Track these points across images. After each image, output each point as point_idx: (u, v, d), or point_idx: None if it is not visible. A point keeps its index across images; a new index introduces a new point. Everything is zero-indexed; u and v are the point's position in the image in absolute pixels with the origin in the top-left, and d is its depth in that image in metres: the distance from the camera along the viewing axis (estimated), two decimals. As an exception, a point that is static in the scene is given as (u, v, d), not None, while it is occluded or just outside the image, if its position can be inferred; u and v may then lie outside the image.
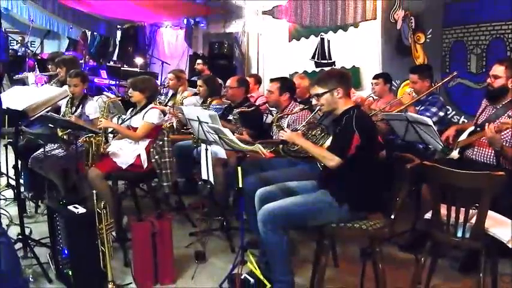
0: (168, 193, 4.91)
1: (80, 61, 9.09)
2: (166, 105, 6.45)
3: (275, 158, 4.01)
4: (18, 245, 3.92)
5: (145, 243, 3.73)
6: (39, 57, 9.26)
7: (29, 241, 4.04)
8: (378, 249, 3.25)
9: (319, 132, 3.70)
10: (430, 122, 4.15)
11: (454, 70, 5.89)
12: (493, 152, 3.99)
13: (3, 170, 5.71)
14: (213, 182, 4.22)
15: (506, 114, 4.00)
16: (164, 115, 5.22)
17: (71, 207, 3.61)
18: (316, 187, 3.48)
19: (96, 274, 3.48)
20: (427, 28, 6.86)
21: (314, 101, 3.51)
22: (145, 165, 4.64)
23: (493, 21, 6.02)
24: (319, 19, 8.67)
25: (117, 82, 9.87)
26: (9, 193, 5.69)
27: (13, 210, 4.78)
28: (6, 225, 4.46)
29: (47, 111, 4.37)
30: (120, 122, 5.13)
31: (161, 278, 3.79)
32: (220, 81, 6.80)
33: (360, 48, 8.05)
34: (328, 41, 8.64)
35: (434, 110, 4.87)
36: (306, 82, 6.16)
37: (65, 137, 4.97)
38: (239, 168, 3.62)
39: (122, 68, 10.66)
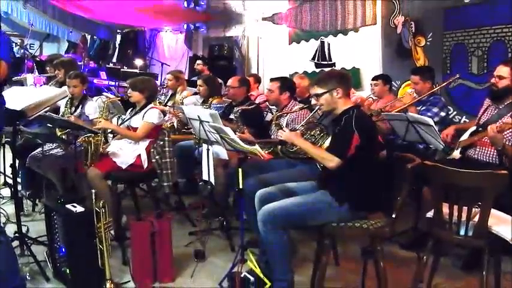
0: (168, 193, 4.89)
1: (79, 63, 9.08)
2: (165, 105, 6.44)
3: (274, 160, 4.02)
4: (15, 243, 3.89)
5: (144, 242, 3.71)
6: (38, 59, 9.24)
7: (26, 239, 4.02)
8: (379, 248, 3.22)
9: (318, 132, 3.69)
10: (431, 122, 4.14)
11: (455, 72, 5.92)
12: (495, 151, 3.96)
13: (1, 169, 5.67)
14: (213, 183, 4.20)
15: (509, 114, 3.97)
16: (164, 115, 5.19)
17: (69, 206, 3.59)
18: (315, 188, 3.46)
19: (94, 272, 3.45)
20: (427, 32, 6.91)
21: (313, 101, 3.50)
22: (145, 165, 4.61)
23: (494, 25, 6.06)
24: (319, 25, 8.72)
25: (117, 83, 9.85)
26: (6, 192, 5.67)
27: (10, 208, 4.75)
28: (3, 223, 4.42)
29: (46, 111, 4.36)
30: (119, 122, 5.09)
31: (160, 276, 3.77)
32: (220, 80, 6.81)
33: (360, 50, 8.07)
34: (329, 44, 8.66)
35: (435, 110, 4.87)
36: (305, 82, 6.20)
37: (63, 136, 4.95)
38: (240, 170, 3.62)
39: (121, 70, 10.63)
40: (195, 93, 6.42)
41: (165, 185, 4.69)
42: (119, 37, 12.18)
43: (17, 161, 4.50)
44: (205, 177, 4.13)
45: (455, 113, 6.36)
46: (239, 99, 5.68)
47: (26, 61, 9.35)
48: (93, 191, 3.55)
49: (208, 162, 4.09)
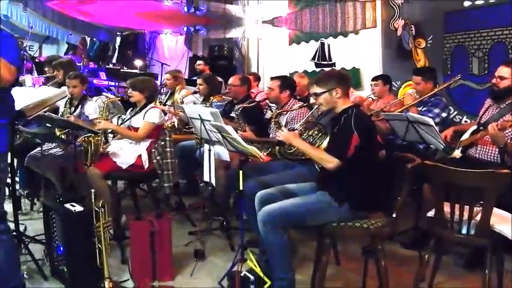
0: (169, 194, 4.87)
1: (79, 64, 9.06)
2: (165, 104, 6.44)
3: (273, 162, 4.01)
4: (12, 242, 3.87)
5: (143, 242, 3.70)
6: (37, 60, 9.22)
7: (24, 237, 4.00)
8: (380, 247, 3.21)
9: (316, 132, 3.68)
10: (431, 122, 4.13)
11: (456, 72, 5.91)
12: (496, 150, 3.95)
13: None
14: (214, 184, 4.18)
15: (510, 113, 3.96)
16: (165, 114, 5.16)
17: (67, 205, 3.58)
18: (315, 189, 3.45)
19: (92, 271, 3.43)
20: (427, 35, 6.95)
21: (312, 100, 3.48)
22: (146, 165, 4.58)
23: (494, 27, 6.06)
24: (319, 28, 8.75)
25: (117, 83, 9.84)
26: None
27: (8, 207, 4.66)
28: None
29: (45, 111, 4.35)
30: (120, 122, 5.06)
31: (159, 275, 3.75)
32: (220, 79, 6.82)
33: (360, 51, 8.08)
34: (329, 45, 8.67)
35: (437, 111, 4.85)
36: (305, 81, 6.23)
37: (63, 136, 4.93)
38: (241, 172, 3.62)
39: (121, 70, 10.62)
40: (195, 92, 6.43)
41: (166, 185, 4.66)
42: (118, 39, 12.19)
43: (15, 160, 4.48)
44: (206, 178, 4.11)
45: (456, 113, 6.37)
46: (240, 97, 5.72)
47: (25, 62, 9.34)
48: (93, 190, 3.52)
49: (209, 163, 4.06)
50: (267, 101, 5.36)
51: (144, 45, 12.33)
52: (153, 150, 4.64)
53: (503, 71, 4.04)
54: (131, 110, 4.92)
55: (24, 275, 3.61)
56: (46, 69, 6.67)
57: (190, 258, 4.12)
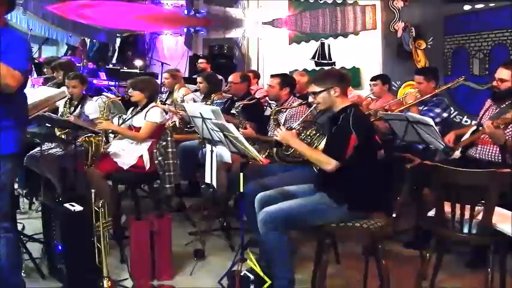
0: (170, 194, 4.84)
1: (78, 65, 9.05)
2: (165, 103, 6.41)
3: (273, 164, 4.00)
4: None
5: (143, 241, 3.70)
6: (36, 61, 9.21)
7: (21, 236, 3.97)
8: (380, 247, 3.20)
9: (314, 132, 3.68)
10: (431, 122, 4.11)
11: (456, 73, 5.92)
12: (497, 149, 3.95)
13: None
14: (215, 186, 4.16)
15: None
16: (165, 114, 5.14)
17: (67, 205, 3.56)
18: (313, 190, 3.44)
19: (90, 270, 3.42)
20: (428, 37, 6.94)
21: (311, 98, 3.47)
22: (147, 166, 4.54)
23: (495, 30, 6.08)
24: (319, 29, 8.75)
25: (117, 83, 9.82)
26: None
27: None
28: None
29: (44, 112, 4.33)
30: (121, 122, 5.03)
31: (159, 274, 3.75)
32: (220, 77, 6.83)
33: (360, 51, 8.09)
34: (329, 45, 8.67)
35: (438, 110, 4.85)
36: (305, 78, 6.23)
37: (63, 136, 4.91)
38: (241, 174, 3.63)
39: (121, 70, 10.60)
40: (196, 90, 6.43)
41: (167, 186, 4.63)
42: (118, 40, 12.19)
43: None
44: (207, 180, 4.11)
45: (456, 113, 6.37)
46: (240, 95, 5.72)
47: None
48: (93, 190, 3.51)
49: (211, 164, 4.05)
50: (267, 98, 5.41)
51: (144, 46, 12.33)
52: (154, 150, 4.60)
53: (502, 73, 4.03)
54: (132, 110, 4.89)
55: (22, 273, 3.58)
56: (45, 70, 6.65)
57: (190, 258, 4.11)
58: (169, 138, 4.66)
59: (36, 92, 4.60)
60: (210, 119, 3.86)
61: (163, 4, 11.48)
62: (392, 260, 3.59)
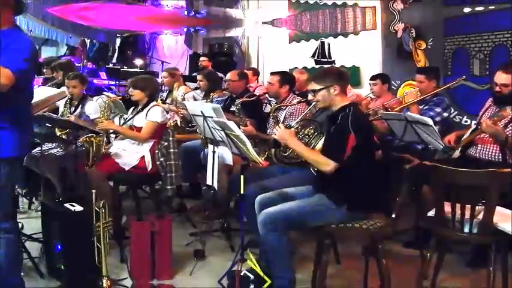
0: (171, 196, 4.82)
1: (78, 65, 9.05)
2: (164, 102, 6.42)
3: (273, 166, 4.01)
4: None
5: (143, 241, 3.70)
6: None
7: (20, 235, 3.91)
8: (380, 247, 3.20)
9: (312, 131, 3.67)
10: (430, 122, 4.10)
11: (456, 73, 5.92)
12: (497, 149, 3.95)
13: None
14: (216, 188, 4.16)
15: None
16: (166, 113, 5.13)
17: (67, 205, 3.57)
18: (312, 192, 3.43)
19: (90, 269, 3.42)
20: (428, 37, 6.95)
21: (310, 96, 3.47)
22: (149, 167, 4.51)
23: (495, 31, 6.07)
24: (319, 28, 8.76)
25: (117, 82, 9.82)
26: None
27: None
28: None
29: (44, 112, 4.33)
30: (122, 121, 5.01)
31: (158, 274, 3.75)
32: (220, 74, 6.85)
33: (360, 50, 8.10)
34: (329, 44, 8.67)
35: (438, 110, 4.84)
36: (304, 76, 6.26)
37: (64, 136, 4.90)
38: (242, 177, 3.64)
39: (121, 69, 10.60)
40: (196, 88, 6.45)
41: (169, 188, 4.61)
42: (118, 41, 12.19)
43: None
44: (209, 182, 4.10)
45: (456, 112, 6.38)
46: (238, 92, 5.74)
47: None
48: (93, 191, 3.50)
49: (213, 166, 4.05)
50: (267, 95, 5.45)
51: (144, 45, 12.34)
52: (156, 151, 4.58)
53: (502, 77, 4.00)
54: (133, 109, 4.86)
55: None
56: (44, 70, 6.64)
57: (190, 258, 4.11)
58: (171, 138, 4.64)
59: (36, 92, 4.57)
60: (212, 117, 3.85)
61: (163, 6, 11.47)
62: (393, 260, 3.58)
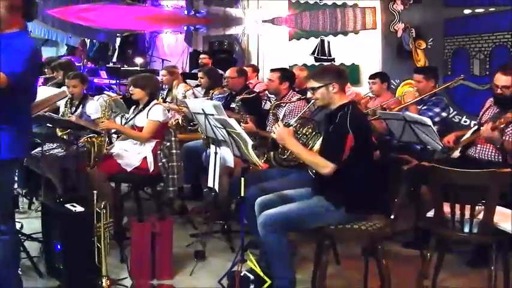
0: (172, 197, 4.81)
1: (78, 65, 9.05)
2: (165, 100, 6.41)
3: (272, 169, 4.03)
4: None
5: (144, 242, 3.71)
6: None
7: (20, 235, 3.93)
8: (380, 247, 3.22)
9: (310, 130, 3.66)
10: (429, 122, 4.09)
11: (456, 73, 5.92)
12: (497, 149, 3.95)
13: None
14: (217, 191, 4.16)
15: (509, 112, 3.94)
16: (168, 112, 5.12)
17: (68, 206, 3.58)
18: (311, 193, 3.44)
19: (89, 269, 3.44)
20: (428, 37, 6.96)
21: (309, 94, 3.46)
22: (151, 168, 4.48)
23: (495, 32, 6.08)
24: (319, 27, 8.77)
25: (118, 81, 9.82)
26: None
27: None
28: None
29: (45, 112, 4.32)
30: (123, 121, 5.00)
31: (159, 274, 3.76)
32: (221, 71, 6.86)
33: (360, 48, 8.12)
34: (328, 42, 8.68)
35: (437, 110, 4.83)
36: (304, 73, 6.22)
37: (65, 137, 4.90)
38: (242, 179, 3.65)
39: (121, 68, 10.61)
40: (197, 86, 6.47)
41: (170, 189, 4.59)
42: (118, 40, 12.21)
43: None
44: (210, 184, 4.11)
45: (455, 113, 6.38)
46: (238, 89, 5.77)
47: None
48: (95, 192, 3.51)
49: (214, 168, 4.05)
50: (267, 92, 5.49)
51: (144, 44, 12.35)
52: (158, 152, 4.56)
53: (502, 79, 4.01)
54: (134, 109, 4.85)
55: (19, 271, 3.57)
56: (45, 70, 6.65)
57: (191, 259, 4.11)
58: (173, 139, 4.62)
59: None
60: (213, 114, 3.85)
61: (163, 6, 11.49)
62: (392, 260, 3.59)
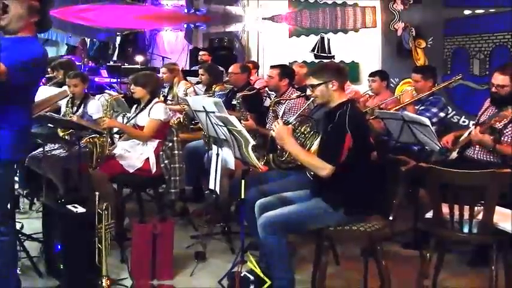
0: (174, 199, 4.81)
1: (79, 64, 9.06)
2: (166, 98, 6.40)
3: (272, 171, 4.02)
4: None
5: (145, 242, 3.74)
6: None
7: (20, 235, 3.98)
8: (379, 248, 3.24)
9: (308, 129, 3.65)
10: (427, 122, 4.09)
11: (456, 73, 5.91)
12: (497, 149, 3.96)
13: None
14: (218, 193, 4.17)
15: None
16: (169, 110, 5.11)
17: (69, 207, 3.59)
18: (310, 196, 3.46)
19: (90, 269, 3.46)
20: (428, 37, 6.97)
21: (309, 91, 3.47)
22: (154, 170, 4.48)
23: (496, 32, 6.09)
24: (319, 25, 8.80)
25: (118, 80, 9.84)
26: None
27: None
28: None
29: (46, 112, 4.31)
30: (125, 121, 4.97)
31: (159, 274, 3.78)
32: (221, 68, 6.88)
33: (360, 46, 8.15)
34: (328, 39, 8.71)
35: (435, 110, 4.83)
36: (304, 70, 6.23)
37: (66, 137, 4.91)
38: (243, 181, 3.67)
39: (122, 66, 10.62)
40: (198, 83, 6.47)
41: (172, 191, 4.59)
42: (118, 39, 12.22)
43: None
44: (211, 186, 4.11)
45: (454, 112, 6.39)
46: (240, 85, 5.79)
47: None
48: (97, 193, 3.53)
49: (216, 171, 4.05)
50: (267, 88, 5.53)
51: (144, 42, 12.37)
52: (161, 153, 4.55)
53: (499, 78, 4.03)
54: (136, 107, 4.83)
55: (18, 271, 3.52)
56: (48, 70, 6.64)
57: (191, 260, 4.13)
58: (175, 138, 4.61)
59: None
60: (213, 112, 3.86)
61: (163, 5, 11.50)
62: (392, 261, 3.61)
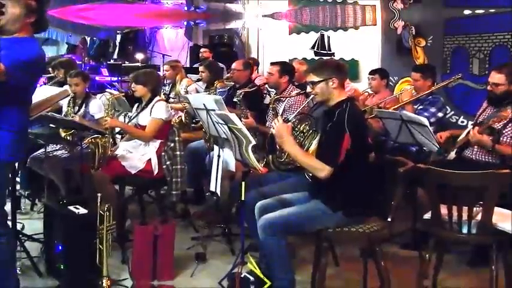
0: (175, 201, 4.81)
1: (79, 63, 9.05)
2: (168, 96, 6.40)
3: (271, 173, 4.03)
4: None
5: (146, 243, 3.76)
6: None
7: (20, 235, 4.00)
8: (378, 249, 3.26)
9: (307, 128, 3.64)
10: (426, 122, 4.10)
11: (455, 72, 5.91)
12: (495, 149, 3.97)
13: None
14: (219, 194, 4.18)
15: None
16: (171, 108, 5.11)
17: (71, 207, 3.60)
18: (309, 197, 3.47)
19: (90, 269, 3.48)
20: (427, 36, 6.97)
21: (309, 89, 3.47)
22: (156, 171, 4.47)
23: (496, 32, 6.10)
24: (319, 22, 8.80)
25: (119, 78, 9.84)
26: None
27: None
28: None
29: (48, 111, 4.31)
30: (127, 120, 4.97)
31: (159, 275, 3.80)
32: (221, 65, 6.89)
33: (360, 44, 8.17)
34: (328, 37, 8.71)
35: (433, 110, 4.84)
36: (304, 67, 6.18)
37: (68, 137, 4.91)
38: (243, 183, 3.69)
39: (122, 65, 10.63)
40: (198, 80, 6.46)
41: (174, 193, 4.59)
42: (118, 37, 12.22)
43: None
44: (212, 188, 4.12)
45: (452, 112, 6.40)
46: (242, 82, 5.81)
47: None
48: (99, 194, 3.54)
49: (217, 173, 4.05)
50: (267, 85, 5.54)
51: (145, 40, 12.35)
52: (163, 153, 4.55)
53: (496, 77, 4.05)
54: (137, 106, 4.81)
55: (17, 270, 3.57)
56: (49, 69, 6.66)
57: (192, 261, 4.15)
58: (176, 138, 4.60)
59: (37, 92, 4.58)
60: (214, 109, 3.86)
61: (163, 3, 11.50)
62: (391, 261, 3.62)
